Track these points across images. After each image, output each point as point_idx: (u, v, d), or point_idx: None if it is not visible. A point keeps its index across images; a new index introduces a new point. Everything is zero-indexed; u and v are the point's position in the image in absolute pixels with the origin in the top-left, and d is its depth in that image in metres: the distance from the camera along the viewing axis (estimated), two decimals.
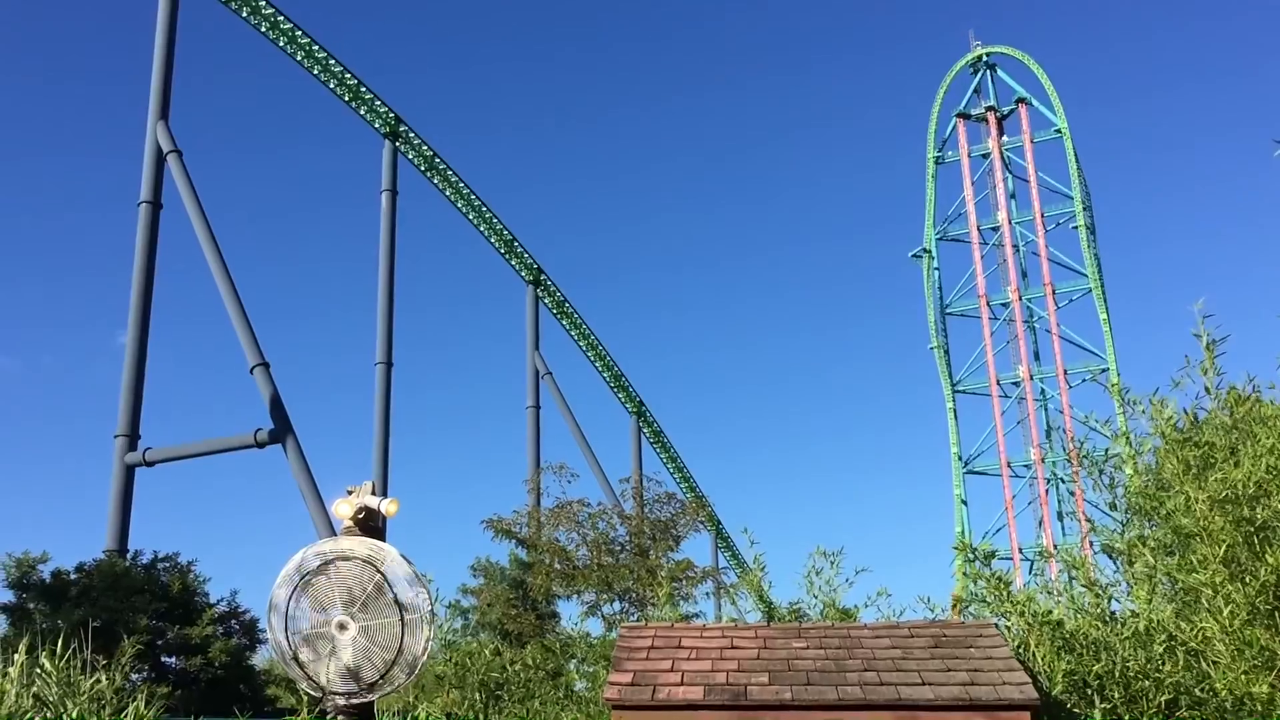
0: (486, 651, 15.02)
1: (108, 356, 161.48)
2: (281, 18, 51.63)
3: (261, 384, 40.41)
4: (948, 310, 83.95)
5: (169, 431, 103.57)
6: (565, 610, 30.00)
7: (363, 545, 6.23)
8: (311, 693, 6.32)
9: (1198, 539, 8.89)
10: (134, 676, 20.61)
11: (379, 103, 55.15)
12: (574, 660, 15.75)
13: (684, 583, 26.65)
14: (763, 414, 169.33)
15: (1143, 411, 10.25)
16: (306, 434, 43.15)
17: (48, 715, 10.46)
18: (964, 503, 79.15)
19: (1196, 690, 8.36)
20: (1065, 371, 78.04)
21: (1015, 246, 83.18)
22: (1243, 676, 8.02)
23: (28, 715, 10.39)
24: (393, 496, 6.73)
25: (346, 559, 6.17)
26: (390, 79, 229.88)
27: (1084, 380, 75.96)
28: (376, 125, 55.75)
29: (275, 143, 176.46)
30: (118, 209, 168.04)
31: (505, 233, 63.42)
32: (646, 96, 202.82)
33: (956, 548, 11.04)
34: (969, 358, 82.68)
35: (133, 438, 40.31)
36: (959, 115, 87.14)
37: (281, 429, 39.60)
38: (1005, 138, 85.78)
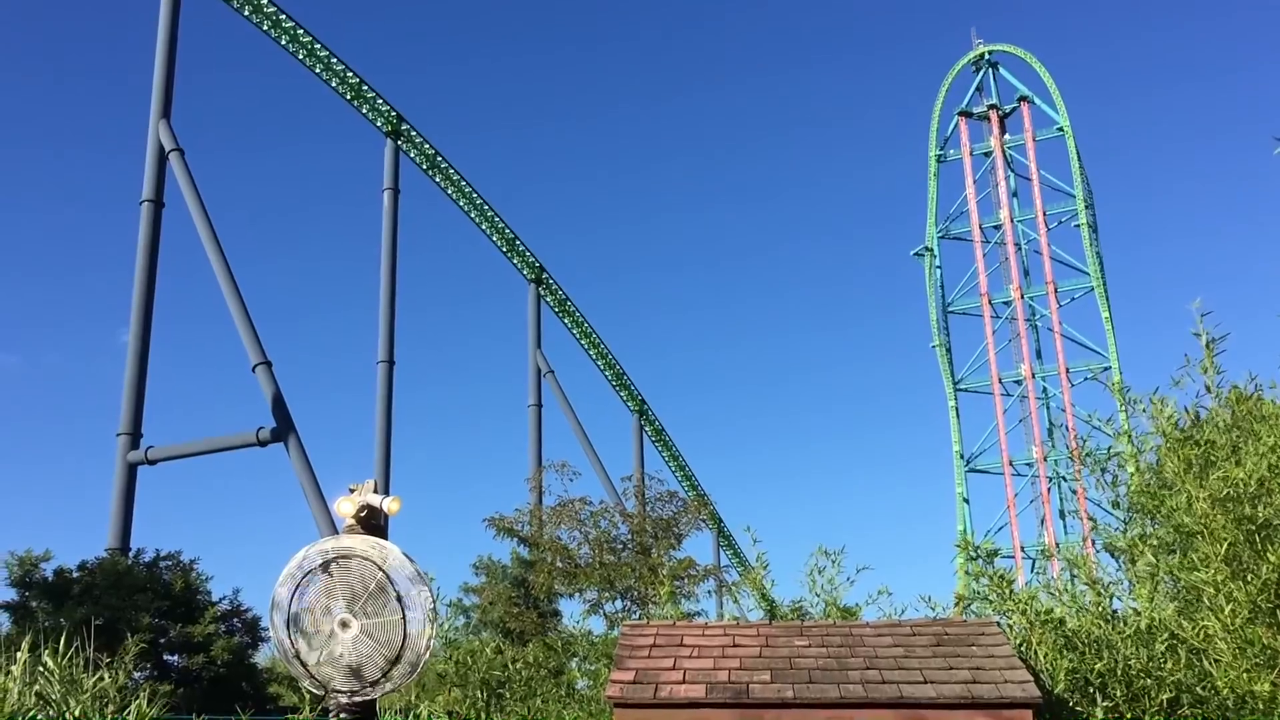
0: (488, 650, 15.03)
1: (110, 354, 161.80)
2: (283, 16, 51.62)
3: (263, 382, 40.43)
4: (950, 308, 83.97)
5: (171, 430, 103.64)
6: (567, 608, 30.05)
7: (365, 543, 6.23)
8: (313, 691, 6.32)
9: (1199, 537, 8.89)
10: (136, 675, 20.62)
11: (381, 101, 55.16)
12: (576, 658, 15.75)
13: (686, 581, 26.65)
14: (764, 412, 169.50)
15: (1143, 410, 10.25)
16: (308, 432, 43.29)
17: (50, 713, 10.47)
18: (966, 501, 79.19)
19: (1198, 688, 8.36)
20: (1067, 370, 78.04)
21: (1017, 245, 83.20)
22: (1244, 675, 8.02)
23: (31, 713, 10.40)
24: (395, 494, 6.73)
25: (349, 557, 6.17)
26: (392, 78, 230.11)
27: (1086, 379, 75.93)
28: (378, 124, 55.76)
29: (277, 141, 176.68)
30: (120, 207, 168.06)
31: (507, 231, 63.42)
32: (649, 95, 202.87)
33: (959, 546, 11.04)
34: (971, 356, 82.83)
35: (135, 436, 40.35)
36: (961, 113, 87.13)
37: (283, 427, 39.61)
38: (1007, 136, 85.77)
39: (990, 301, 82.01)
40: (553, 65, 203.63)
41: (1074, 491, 68.46)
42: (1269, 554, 8.34)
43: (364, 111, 55.49)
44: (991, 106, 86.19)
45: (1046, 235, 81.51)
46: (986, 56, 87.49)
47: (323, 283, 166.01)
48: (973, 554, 10.48)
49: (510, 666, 14.23)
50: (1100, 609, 9.40)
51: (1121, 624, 9.07)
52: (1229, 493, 8.77)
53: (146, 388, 41.40)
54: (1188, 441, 9.49)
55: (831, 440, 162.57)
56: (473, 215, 62.09)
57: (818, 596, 11.53)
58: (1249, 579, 8.37)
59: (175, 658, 29.38)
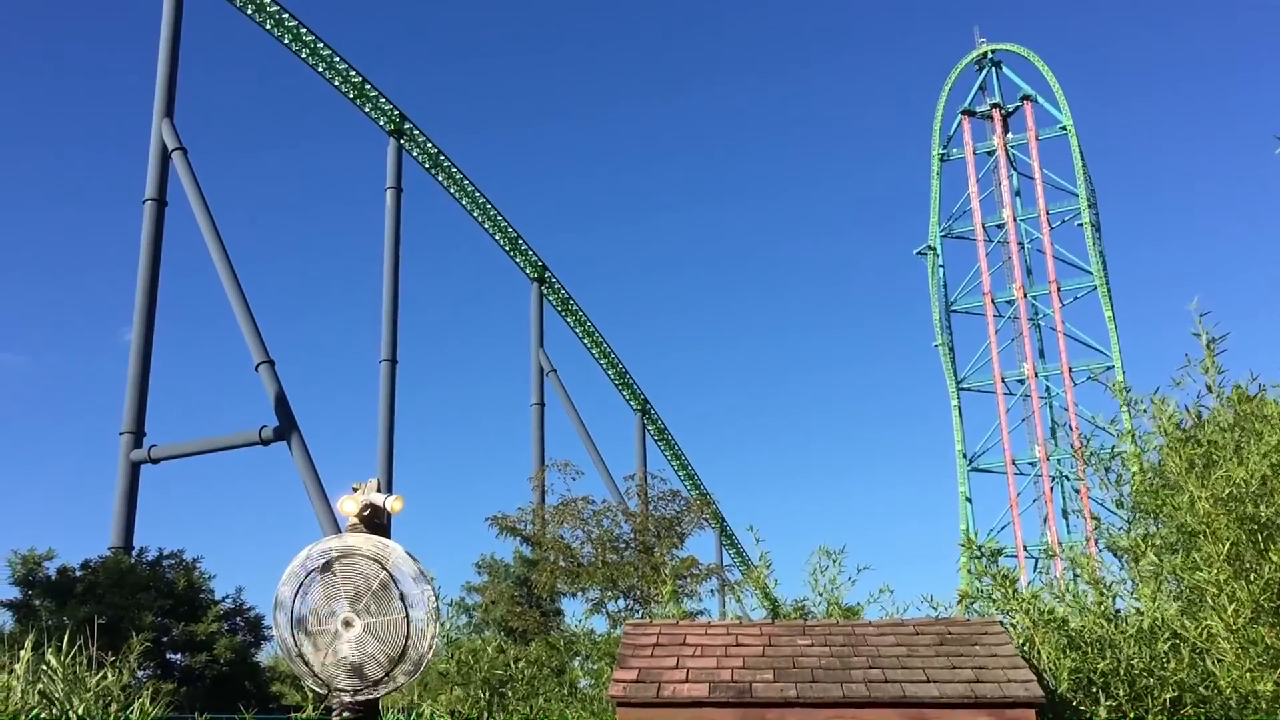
0: (490, 649, 15.03)
1: (113, 353, 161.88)
2: (286, 15, 51.65)
3: (266, 381, 40.46)
4: (952, 307, 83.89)
5: (174, 428, 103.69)
6: (569, 608, 30.07)
7: (368, 542, 6.23)
8: (316, 689, 6.33)
9: (1202, 537, 8.88)
10: (140, 673, 20.64)
11: (384, 100, 55.17)
12: (578, 658, 15.76)
13: (688, 580, 26.65)
14: (767, 411, 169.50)
15: (1144, 410, 10.24)
16: (311, 431, 43.32)
17: (54, 712, 10.48)
18: (969, 500, 79.11)
19: (1201, 688, 8.35)
20: (1070, 369, 77.94)
21: (1020, 244, 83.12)
22: (1247, 675, 8.01)
23: (34, 712, 10.41)
24: (398, 493, 6.73)
25: (352, 556, 6.17)
26: (395, 76, 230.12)
27: (1087, 379, 75.82)
28: (381, 122, 55.77)
29: (280, 140, 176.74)
30: (123, 206, 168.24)
31: (510, 230, 63.45)
32: (651, 94, 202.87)
33: (963, 545, 11.03)
34: (974, 355, 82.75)
35: (138, 435, 40.39)
36: (964, 112, 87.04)
37: (286, 426, 39.64)
38: (1010, 135, 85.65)
39: (993, 300, 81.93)
40: (554, 65, 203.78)
41: (1077, 491, 68.33)
42: (1271, 554, 8.33)
43: (367, 110, 55.51)
44: (994, 105, 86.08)
45: (1049, 234, 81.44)
46: (989, 55, 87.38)
47: (325, 281, 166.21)
48: (976, 553, 10.47)
49: (513, 665, 14.23)
50: (1103, 609, 9.39)
51: (1124, 624, 9.06)
52: (1231, 492, 8.76)
53: (149, 386, 41.48)
54: (1189, 441, 9.48)
55: (834, 439, 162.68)
56: (475, 214, 62.12)
57: (820, 596, 11.53)
58: (1251, 579, 8.36)
59: (178, 656, 29.43)
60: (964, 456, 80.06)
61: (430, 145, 57.77)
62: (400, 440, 51.89)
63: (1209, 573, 8.54)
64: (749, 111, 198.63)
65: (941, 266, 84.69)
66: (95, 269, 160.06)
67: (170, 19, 46.27)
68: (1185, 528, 9.22)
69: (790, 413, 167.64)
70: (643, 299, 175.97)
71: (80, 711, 10.37)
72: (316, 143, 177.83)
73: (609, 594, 25.98)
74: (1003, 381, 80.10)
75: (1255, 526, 8.62)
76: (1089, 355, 78.22)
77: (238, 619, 31.67)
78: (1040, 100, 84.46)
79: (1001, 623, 8.87)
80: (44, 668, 10.80)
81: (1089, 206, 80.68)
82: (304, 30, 52.35)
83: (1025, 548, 73.02)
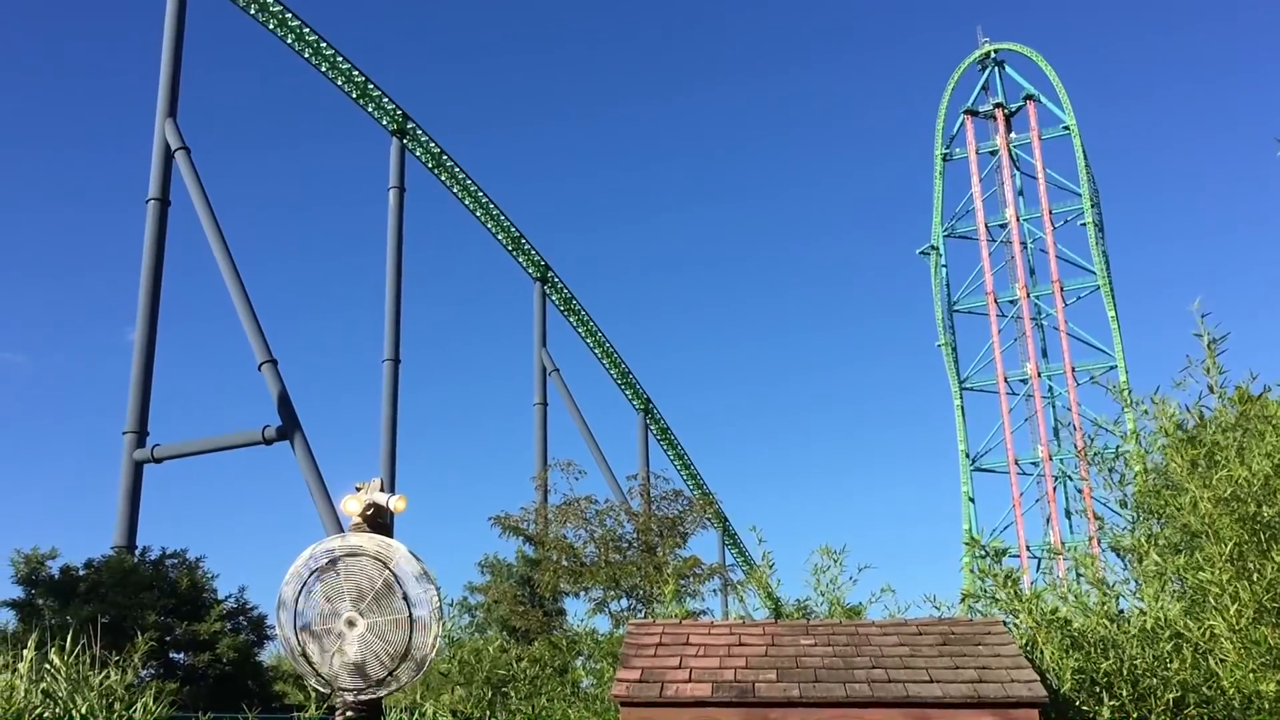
0: (492, 649, 15.04)
1: (116, 353, 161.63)
2: (289, 15, 51.64)
3: (269, 380, 40.48)
4: (955, 307, 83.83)
5: (177, 428, 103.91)
6: (572, 607, 30.05)
7: (371, 542, 6.23)
8: (320, 689, 6.33)
9: (1204, 537, 8.87)
10: (143, 673, 20.66)
11: (387, 100, 55.16)
12: (581, 657, 15.76)
13: (691, 580, 26.66)
14: (770, 411, 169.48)
15: (1145, 412, 10.24)
16: (314, 431, 43.31)
17: (57, 711, 10.49)
18: (971, 500, 79.07)
19: (1204, 688, 8.35)
20: (1073, 369, 77.83)
21: (1023, 243, 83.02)
22: (1250, 675, 8.00)
23: (37, 711, 10.42)
24: (400, 493, 6.73)
25: (355, 556, 6.18)
26: (398, 76, 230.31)
27: (1090, 380, 75.71)
28: (384, 122, 55.77)
29: (283, 140, 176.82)
30: (126, 206, 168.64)
31: (513, 230, 63.46)
32: (654, 94, 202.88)
33: (967, 543, 11.02)
34: (977, 355, 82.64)
35: (141, 434, 40.40)
36: (967, 112, 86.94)
37: (289, 425, 39.64)
38: (1013, 134, 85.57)
39: (996, 300, 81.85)
40: (556, 65, 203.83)
41: (1080, 491, 68.38)
42: (1274, 554, 8.33)
43: (370, 110, 55.51)
44: (997, 105, 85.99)
45: (1052, 234, 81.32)
46: (992, 55, 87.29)
47: (328, 281, 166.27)
48: (980, 552, 10.46)
49: (515, 665, 14.24)
50: (1106, 609, 9.39)
51: (1127, 624, 9.06)
52: (1233, 492, 8.76)
53: (152, 386, 41.50)
54: (1192, 441, 9.48)
55: (837, 439, 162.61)
56: (478, 214, 62.12)
57: (822, 596, 11.53)
58: (1254, 579, 8.36)
59: (181, 655, 29.45)
60: (967, 456, 80.00)
61: (433, 145, 57.77)
62: (403, 440, 51.91)
63: (1211, 573, 8.53)
64: (751, 111, 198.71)
65: (944, 266, 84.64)
66: (98, 269, 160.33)
67: (173, 19, 46.30)
68: (1188, 528, 9.22)
69: (793, 412, 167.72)
70: (646, 299, 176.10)
71: (83, 711, 10.38)
72: (319, 142, 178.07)
73: (611, 594, 25.99)
74: (1005, 381, 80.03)
75: (1258, 527, 8.61)
76: (1092, 355, 78.19)
77: (240, 618, 31.69)
78: (1043, 100, 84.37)
79: (1005, 623, 8.87)
80: (47, 667, 10.81)
81: (1092, 206, 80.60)
82: (307, 30, 52.36)
83: (1028, 548, 72.91)
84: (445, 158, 58.67)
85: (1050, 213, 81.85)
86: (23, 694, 10.53)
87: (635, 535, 27.76)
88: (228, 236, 42.45)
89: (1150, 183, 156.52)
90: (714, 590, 29.24)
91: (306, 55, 53.35)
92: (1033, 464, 78.04)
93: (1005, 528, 76.00)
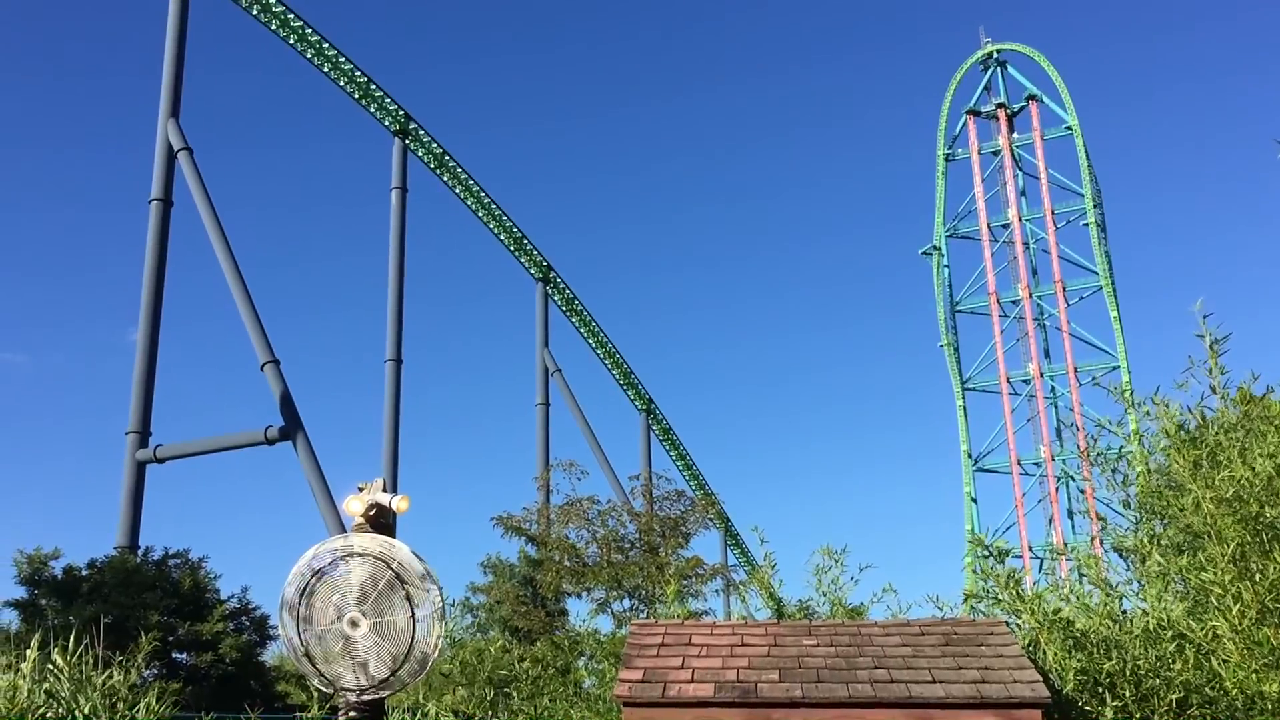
0: (494, 649, 15.06)
1: (119, 353, 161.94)
2: (292, 15, 51.69)
3: (272, 381, 40.51)
4: (958, 307, 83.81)
5: (180, 428, 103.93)
6: (574, 608, 30.05)
7: (374, 542, 6.23)
8: (322, 689, 6.33)
9: (1206, 538, 8.87)
10: (145, 673, 20.68)
11: (389, 100, 55.19)
12: (583, 657, 15.77)
13: (693, 580, 26.66)
14: (772, 411, 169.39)
15: (1147, 413, 10.23)
16: (316, 431, 43.23)
17: (60, 711, 10.51)
18: (974, 501, 79.04)
19: (1207, 689, 8.34)
20: (1076, 369, 77.80)
21: (1025, 244, 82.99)
22: (1253, 675, 8.00)
23: (40, 711, 10.44)
24: (403, 493, 6.73)
25: (358, 556, 6.18)
26: (400, 77, 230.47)
27: (1091, 381, 75.65)
28: (386, 123, 55.80)
29: (285, 140, 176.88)
30: (129, 206, 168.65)
31: (515, 230, 63.50)
32: (656, 94, 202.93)
33: (971, 542, 11.02)
34: (979, 355, 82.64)
35: (144, 434, 40.45)
36: (969, 112, 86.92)
37: (292, 426, 39.68)
38: (1016, 135, 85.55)
39: (998, 300, 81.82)
40: (558, 65, 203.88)
41: (1082, 491, 68.33)
42: (1276, 554, 8.32)
43: (372, 111, 55.54)
44: (1000, 105, 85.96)
45: (1055, 234, 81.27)
46: (995, 55, 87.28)
47: (331, 281, 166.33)
48: (984, 552, 10.46)
49: (517, 665, 14.25)
50: (1109, 609, 9.39)
51: (1130, 624, 9.05)
52: (1235, 493, 8.75)
53: (155, 386, 41.53)
54: (1194, 442, 9.47)
55: (839, 439, 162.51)
56: (480, 214, 62.15)
57: (824, 596, 11.54)
58: (1257, 580, 8.35)
59: (184, 656, 29.46)
60: (969, 457, 79.97)
61: (435, 145, 57.80)
62: (405, 440, 52.02)
63: (1214, 574, 8.53)
64: (753, 111, 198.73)
65: (946, 266, 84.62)
66: (101, 268, 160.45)
67: (176, 20, 46.36)
68: (1190, 529, 9.21)
69: (795, 413, 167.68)
70: (648, 299, 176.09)
71: (86, 711, 10.40)
72: (322, 143, 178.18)
73: (614, 594, 25.99)
74: (1008, 381, 79.99)
75: (1260, 527, 8.61)
76: (1094, 355, 78.16)
77: (243, 618, 31.71)
78: (1045, 100, 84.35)
79: (1007, 623, 8.87)
80: (50, 667, 10.83)
81: (1094, 206, 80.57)
82: (309, 30, 52.41)
83: (1030, 548, 72.87)
84: (447, 158, 58.71)
85: (1053, 213, 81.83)
86: (26, 694, 10.55)
87: (637, 536, 27.77)
88: (230, 237, 42.59)
89: (1153, 183, 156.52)
90: (716, 591, 29.29)
91: (309, 55, 53.40)
92: (1035, 464, 78.03)
93: (1007, 528, 75.95)
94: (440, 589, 6.25)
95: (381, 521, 6.58)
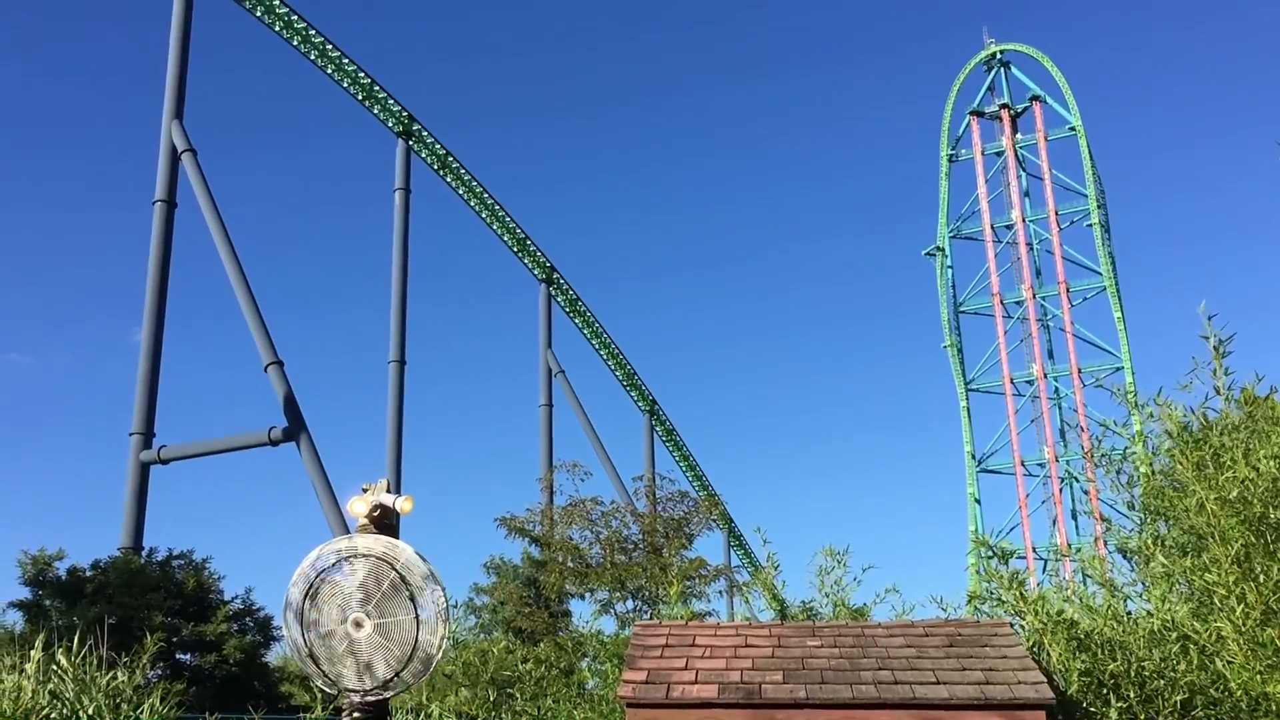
0: (497, 650, 15.08)
1: (123, 354, 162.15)
2: (295, 17, 51.76)
3: (275, 382, 40.54)
4: (961, 308, 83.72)
5: (183, 429, 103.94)
6: (578, 608, 30.05)
7: (378, 543, 6.24)
8: (326, 690, 6.34)
9: (1211, 539, 8.85)
10: (149, 673, 20.71)
11: (392, 101, 55.24)
12: (586, 658, 15.77)
13: (697, 581, 26.64)
14: (775, 412, 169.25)
15: (1150, 414, 10.22)
16: (320, 432, 43.36)
17: (64, 712, 10.52)
18: (977, 501, 78.95)
19: (1212, 690, 8.33)
20: (1079, 370, 77.70)
21: (1029, 244, 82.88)
22: (1257, 676, 7.99)
23: (44, 711, 10.45)
24: (407, 494, 6.74)
25: (362, 557, 6.18)
26: (403, 78, 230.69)
27: (1094, 383, 75.54)
28: (390, 124, 55.85)
29: (289, 141, 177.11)
30: (133, 207, 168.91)
31: (518, 231, 63.52)
32: (660, 95, 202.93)
33: (975, 542, 11.01)
34: (982, 356, 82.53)
35: (148, 435, 40.48)
36: (973, 113, 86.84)
37: (295, 427, 39.71)
38: (1019, 135, 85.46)
39: (1002, 301, 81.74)
40: (560, 66, 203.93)
41: (1086, 492, 68.26)
42: None
43: (375, 112, 55.58)
44: (1003, 106, 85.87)
45: (1058, 235, 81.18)
46: (998, 56, 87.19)
47: (334, 282, 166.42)
48: (988, 552, 10.45)
49: (521, 666, 14.26)
50: (1113, 610, 9.38)
51: (1134, 625, 9.04)
52: (1239, 494, 8.74)
53: (159, 387, 41.58)
54: (1198, 443, 9.45)
55: (842, 440, 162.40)
56: (483, 215, 62.18)
57: (827, 597, 11.53)
58: (1261, 580, 8.34)
59: (188, 656, 29.50)
60: (973, 458, 79.88)
61: (439, 147, 57.83)
62: (409, 441, 52.02)
63: (1218, 575, 8.51)
64: (756, 112, 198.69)
65: (950, 267, 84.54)
66: (105, 269, 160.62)
67: (180, 21, 46.41)
68: (1194, 530, 9.20)
69: (798, 413, 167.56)
70: (651, 300, 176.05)
71: (90, 711, 10.41)
72: (325, 144, 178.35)
73: (617, 595, 25.98)
74: (1012, 382, 79.89)
75: (1264, 528, 8.59)
76: (1098, 356, 78.02)
77: (247, 619, 31.74)
78: (1049, 101, 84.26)
79: (1011, 624, 8.86)
80: (54, 668, 10.85)
81: (1098, 207, 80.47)
82: (313, 32, 52.47)
83: (1034, 549, 72.78)
84: (450, 159, 58.75)
85: (1056, 214, 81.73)
86: (30, 694, 10.56)
87: (641, 537, 27.77)
88: (234, 238, 42.64)
89: (1157, 184, 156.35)
90: (720, 592, 29.28)
91: (312, 57, 53.47)
92: (1039, 465, 77.92)
93: (1011, 529, 75.87)
94: (444, 590, 6.25)
95: (385, 522, 6.58)
